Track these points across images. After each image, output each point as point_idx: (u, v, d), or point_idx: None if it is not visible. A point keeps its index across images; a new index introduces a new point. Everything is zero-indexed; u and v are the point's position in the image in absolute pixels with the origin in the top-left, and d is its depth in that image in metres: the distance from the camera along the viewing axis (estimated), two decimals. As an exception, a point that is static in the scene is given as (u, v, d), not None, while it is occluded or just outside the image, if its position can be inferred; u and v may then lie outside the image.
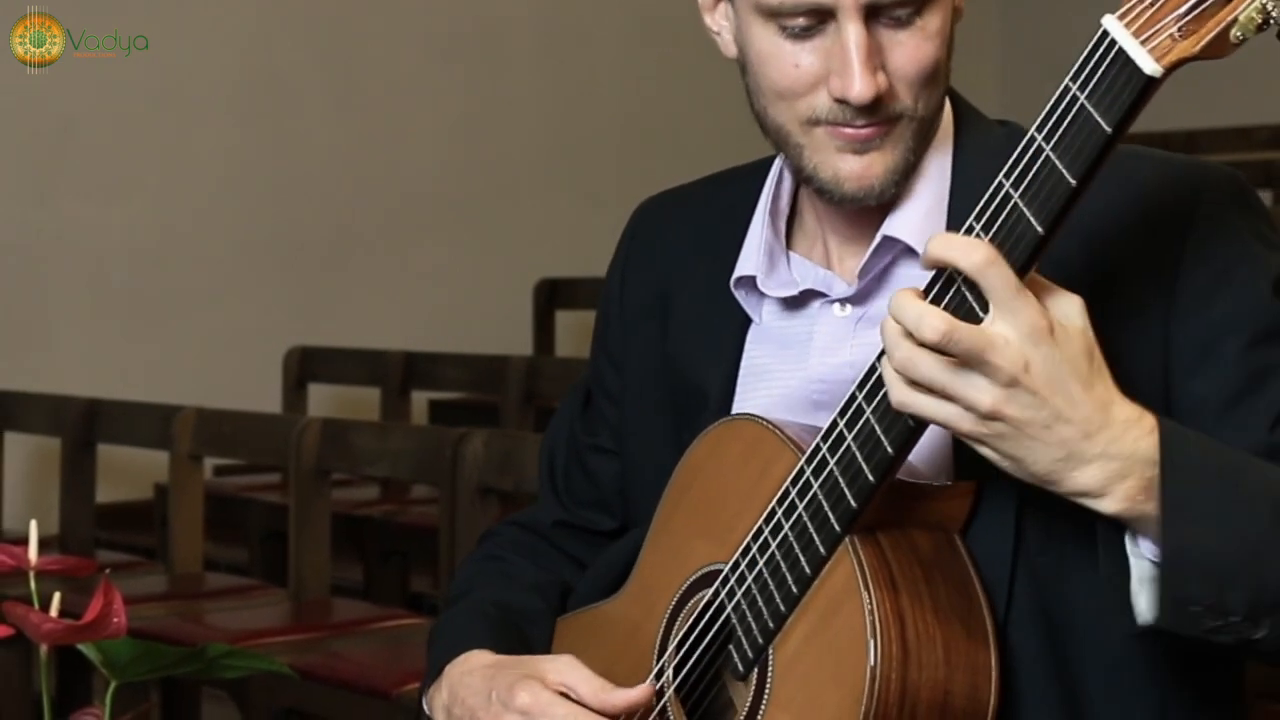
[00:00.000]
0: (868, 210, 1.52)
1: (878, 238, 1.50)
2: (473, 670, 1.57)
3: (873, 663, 1.33)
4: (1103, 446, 1.26)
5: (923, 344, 1.25)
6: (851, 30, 1.41)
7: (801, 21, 1.43)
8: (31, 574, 1.46)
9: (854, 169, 1.46)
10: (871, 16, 1.42)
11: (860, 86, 1.41)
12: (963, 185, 1.50)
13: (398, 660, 3.23)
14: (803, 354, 1.55)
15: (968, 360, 1.24)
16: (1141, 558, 1.32)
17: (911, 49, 1.44)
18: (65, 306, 5.81)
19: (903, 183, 1.49)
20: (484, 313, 6.58)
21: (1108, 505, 1.28)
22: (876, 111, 1.44)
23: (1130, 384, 1.33)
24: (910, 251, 1.50)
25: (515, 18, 6.83)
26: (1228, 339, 1.41)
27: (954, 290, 1.27)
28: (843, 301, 1.54)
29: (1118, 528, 1.33)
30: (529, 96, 6.86)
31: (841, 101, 1.43)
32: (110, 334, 5.87)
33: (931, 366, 1.26)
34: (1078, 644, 1.43)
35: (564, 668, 1.50)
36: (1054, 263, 1.32)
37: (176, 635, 3.40)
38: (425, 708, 1.63)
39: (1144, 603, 1.32)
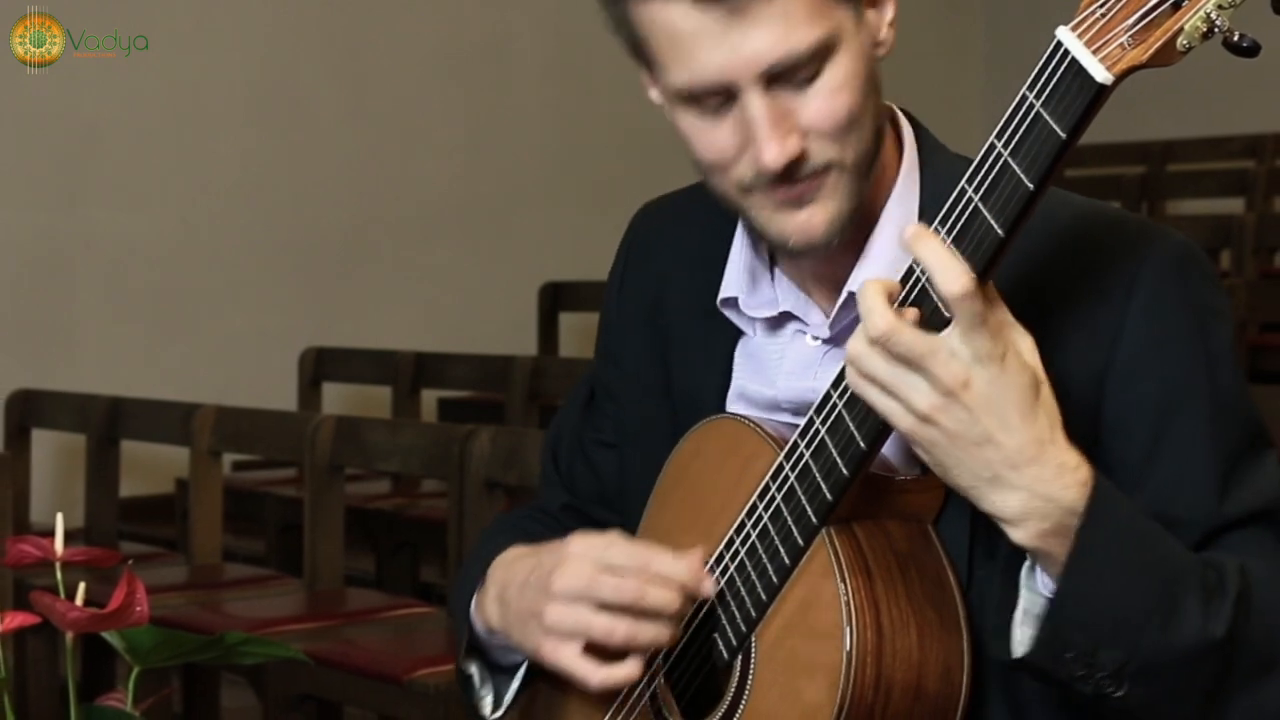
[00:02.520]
0: (836, 259, 1.50)
1: (844, 294, 1.49)
2: (517, 558, 1.57)
3: (848, 648, 1.33)
4: (1029, 481, 1.27)
5: (869, 338, 1.27)
6: (754, 103, 1.39)
7: (713, 101, 1.42)
8: (58, 565, 1.46)
9: (796, 224, 1.44)
10: (774, 83, 1.39)
11: (770, 156, 1.39)
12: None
13: (408, 647, 3.23)
14: (772, 376, 1.55)
15: (908, 362, 1.26)
16: (1034, 591, 1.33)
17: (820, 105, 1.40)
18: (89, 309, 5.81)
19: (851, 228, 1.46)
20: (490, 315, 6.59)
21: (1018, 535, 1.29)
22: (800, 170, 1.41)
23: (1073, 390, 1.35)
24: None
25: (520, 31, 6.84)
26: (1148, 413, 1.40)
27: (924, 292, 1.28)
28: (816, 337, 1.54)
29: (1021, 556, 1.33)
30: (533, 107, 6.87)
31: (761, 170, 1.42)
32: (132, 335, 5.87)
33: (879, 364, 1.28)
34: None
35: (613, 535, 1.50)
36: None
37: (196, 623, 3.40)
38: (473, 614, 1.61)
39: (1020, 635, 1.33)
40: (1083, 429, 1.36)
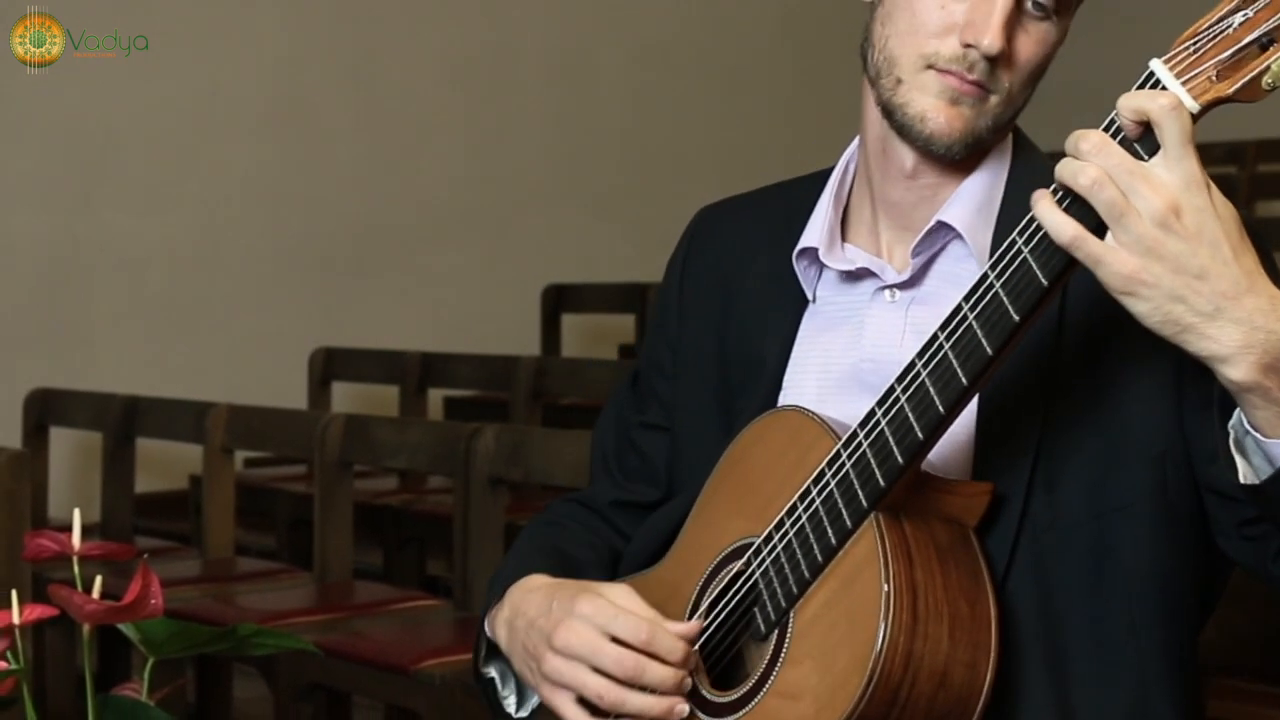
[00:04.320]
0: (922, 204, 1.56)
1: (931, 221, 1.54)
2: (534, 589, 1.58)
3: (883, 627, 1.34)
4: (1247, 313, 1.25)
5: (1078, 155, 1.26)
6: None
7: None
8: (75, 559, 1.46)
9: (941, 114, 1.51)
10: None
11: (993, 39, 1.47)
12: (1014, 193, 1.55)
13: (415, 638, 3.23)
14: (856, 334, 1.58)
15: (1120, 179, 1.24)
16: (1247, 434, 1.32)
17: (1034, 43, 1.50)
18: (106, 310, 5.82)
19: (968, 154, 1.53)
20: (495, 316, 6.59)
21: (1236, 372, 1.26)
22: (986, 74, 1.49)
23: (1141, 391, 1.42)
24: (959, 240, 1.54)
25: (524, 43, 6.84)
26: None
27: (1123, 142, 1.28)
28: (893, 289, 1.57)
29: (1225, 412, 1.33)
30: (536, 115, 6.87)
31: (969, 47, 1.48)
32: (148, 336, 5.87)
33: (1113, 189, 1.25)
34: (1068, 624, 1.45)
35: (622, 593, 1.51)
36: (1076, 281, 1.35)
37: (209, 615, 3.40)
38: (485, 627, 1.63)
39: (1247, 470, 1.33)
40: (1160, 378, 1.43)
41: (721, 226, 1.76)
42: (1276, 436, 1.28)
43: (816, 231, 1.61)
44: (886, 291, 1.57)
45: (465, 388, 5.67)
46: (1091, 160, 1.26)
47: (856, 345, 1.57)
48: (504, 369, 5.12)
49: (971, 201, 1.54)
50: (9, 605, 1.44)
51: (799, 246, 1.61)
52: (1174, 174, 1.24)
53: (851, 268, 1.59)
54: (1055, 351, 1.47)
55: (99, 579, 1.45)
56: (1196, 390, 1.43)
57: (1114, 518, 1.45)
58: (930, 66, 1.50)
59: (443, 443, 3.53)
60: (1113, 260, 1.25)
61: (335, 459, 3.73)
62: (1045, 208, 1.29)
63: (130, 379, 5.27)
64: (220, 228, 6.05)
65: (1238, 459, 1.33)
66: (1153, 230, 1.23)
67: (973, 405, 1.46)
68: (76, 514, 1.52)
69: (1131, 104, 1.26)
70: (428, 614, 3.49)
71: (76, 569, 1.46)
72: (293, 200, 6.23)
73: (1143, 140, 1.26)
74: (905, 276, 1.56)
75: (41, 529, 1.54)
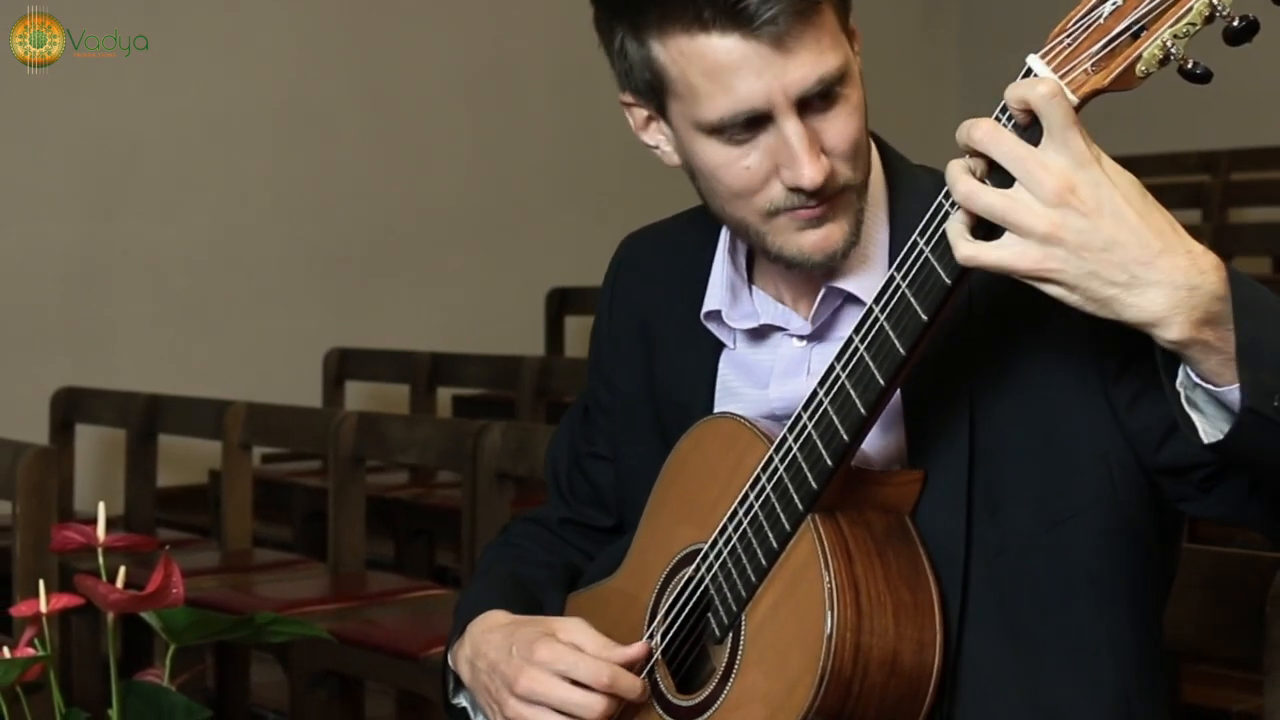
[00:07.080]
0: (815, 277, 1.51)
1: (823, 290, 1.50)
2: (493, 628, 1.58)
3: (830, 624, 1.34)
4: (1165, 274, 1.20)
5: (969, 149, 1.23)
6: (790, 126, 1.40)
7: (739, 131, 1.41)
8: (100, 550, 1.47)
9: (816, 242, 1.45)
10: (804, 109, 1.41)
11: (811, 173, 1.40)
12: (900, 233, 1.49)
13: (425, 626, 3.23)
14: (764, 380, 1.56)
15: (1014, 167, 1.21)
16: (1195, 387, 1.26)
17: (841, 126, 1.42)
18: (128, 313, 5.82)
19: (857, 239, 1.48)
20: (501, 317, 6.59)
21: (1171, 333, 1.21)
22: (826, 189, 1.42)
23: (1067, 400, 1.39)
24: (853, 299, 1.49)
25: (529, 54, 6.84)
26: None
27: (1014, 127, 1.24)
28: (800, 337, 1.54)
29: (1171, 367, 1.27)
30: (539, 124, 6.87)
31: (795, 189, 1.42)
32: (169, 336, 5.88)
33: (986, 194, 1.22)
34: (1040, 641, 1.42)
35: (573, 627, 1.52)
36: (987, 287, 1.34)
37: (228, 604, 3.40)
38: (450, 662, 1.65)
39: (1207, 425, 1.27)
40: (1086, 372, 1.40)
41: (642, 259, 1.72)
42: (1226, 383, 1.23)
43: (717, 291, 1.57)
44: (794, 337, 1.54)
45: (473, 386, 5.66)
46: (984, 148, 1.22)
47: (765, 389, 1.55)
48: (510, 369, 5.12)
49: (860, 263, 1.49)
50: (37, 595, 1.45)
51: (704, 309, 1.57)
52: (1062, 155, 1.20)
53: (756, 324, 1.55)
54: (973, 368, 1.44)
55: (122, 569, 1.45)
56: (1122, 390, 1.40)
57: (1067, 526, 1.42)
58: (775, 213, 1.44)
59: (451, 439, 3.54)
60: (1014, 259, 1.21)
61: (349, 455, 3.73)
62: (949, 227, 1.25)
63: (152, 378, 5.27)
64: (238, 232, 6.05)
65: (1194, 417, 1.28)
66: (1048, 214, 1.20)
67: (899, 419, 1.45)
68: (101, 507, 1.52)
69: (1015, 94, 1.22)
70: (437, 603, 3.49)
71: (101, 560, 1.47)
72: (307, 206, 6.23)
73: (1030, 129, 1.23)
74: (809, 330, 1.53)
75: (68, 522, 1.55)
